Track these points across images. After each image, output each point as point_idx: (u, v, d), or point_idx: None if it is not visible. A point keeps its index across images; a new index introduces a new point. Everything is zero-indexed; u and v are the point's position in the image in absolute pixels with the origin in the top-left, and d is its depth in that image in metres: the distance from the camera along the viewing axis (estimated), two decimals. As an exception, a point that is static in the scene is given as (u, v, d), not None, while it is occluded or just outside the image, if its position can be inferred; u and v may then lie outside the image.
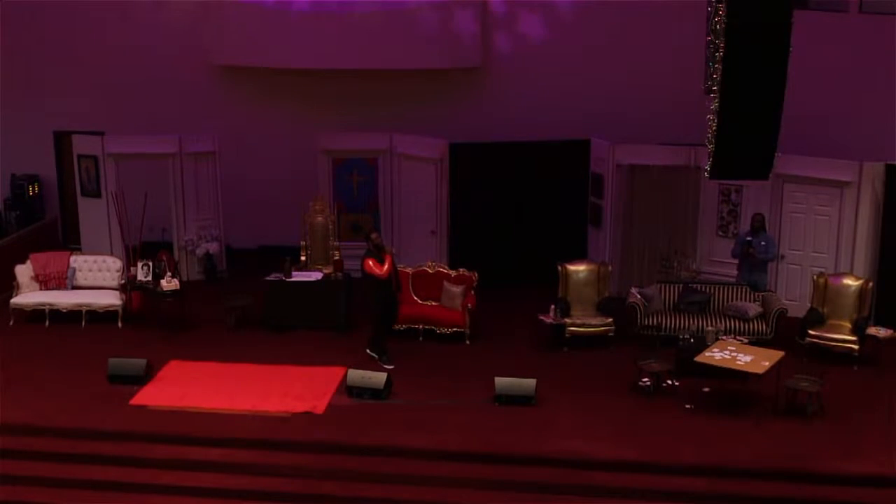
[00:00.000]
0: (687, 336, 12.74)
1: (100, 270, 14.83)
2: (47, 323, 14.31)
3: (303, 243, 15.03)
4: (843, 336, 13.08)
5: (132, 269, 14.69)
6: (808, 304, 13.70)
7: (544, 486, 10.39)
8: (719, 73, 9.54)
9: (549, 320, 13.45)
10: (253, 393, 12.03)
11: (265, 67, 16.91)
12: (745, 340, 12.53)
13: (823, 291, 13.54)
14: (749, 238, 14.01)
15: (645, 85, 15.94)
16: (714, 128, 9.95)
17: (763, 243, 13.94)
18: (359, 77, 16.88)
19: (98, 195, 16.36)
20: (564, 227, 16.17)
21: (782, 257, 14.81)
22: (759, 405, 11.54)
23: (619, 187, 15.54)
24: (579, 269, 14.13)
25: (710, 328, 12.74)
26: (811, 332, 13.18)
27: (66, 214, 18.04)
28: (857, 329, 13.04)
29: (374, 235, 13.20)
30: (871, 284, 13.52)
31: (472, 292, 13.98)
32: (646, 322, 13.58)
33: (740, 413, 11.51)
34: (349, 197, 16.56)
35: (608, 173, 15.54)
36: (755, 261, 13.95)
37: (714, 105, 9.87)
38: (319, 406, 11.74)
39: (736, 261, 14.33)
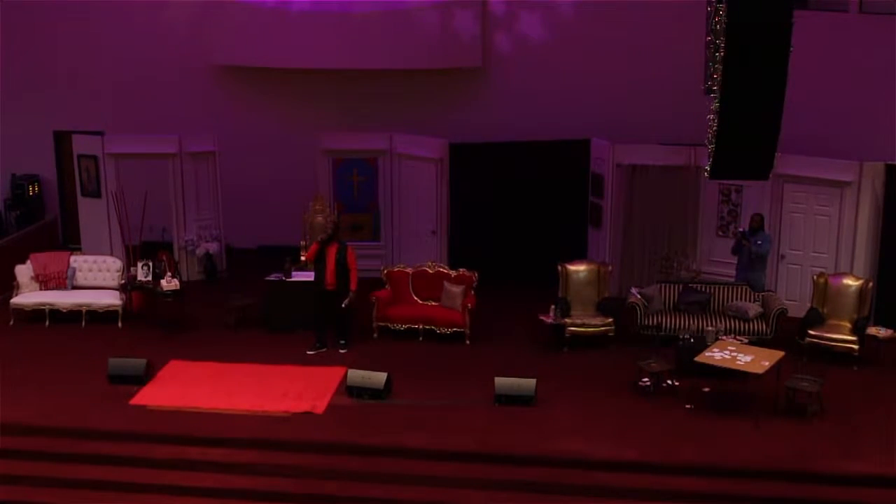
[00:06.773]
0: (687, 336, 12.73)
1: (100, 270, 14.82)
2: (47, 323, 14.31)
3: (303, 243, 15.04)
4: (843, 336, 13.07)
5: (132, 269, 14.70)
6: (808, 304, 13.70)
7: (544, 486, 10.38)
8: (719, 73, 9.54)
9: (549, 320, 13.44)
10: (253, 393, 12.02)
11: (265, 67, 16.93)
12: (745, 340, 12.51)
13: (823, 291, 13.55)
14: (742, 230, 14.09)
15: (645, 85, 15.95)
16: (714, 128, 9.95)
17: (759, 241, 13.96)
18: (359, 77, 16.89)
19: (98, 195, 16.36)
20: (564, 227, 16.18)
21: (782, 257, 14.82)
22: (759, 405, 11.52)
23: (619, 187, 15.54)
24: (579, 269, 14.12)
25: (710, 328, 12.73)
26: (811, 331, 13.18)
27: (66, 214, 18.05)
28: (857, 329, 13.04)
29: (318, 218, 13.25)
30: (871, 284, 13.51)
31: (472, 292, 13.98)
32: (646, 322, 13.57)
33: (740, 413, 11.50)
34: (349, 197, 16.56)
35: (608, 173, 15.53)
36: (751, 255, 13.94)
37: (714, 105, 9.88)
38: (319, 406, 11.73)
39: (735, 261, 14.34)
